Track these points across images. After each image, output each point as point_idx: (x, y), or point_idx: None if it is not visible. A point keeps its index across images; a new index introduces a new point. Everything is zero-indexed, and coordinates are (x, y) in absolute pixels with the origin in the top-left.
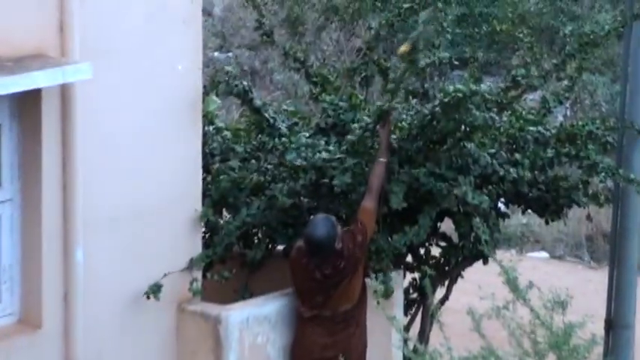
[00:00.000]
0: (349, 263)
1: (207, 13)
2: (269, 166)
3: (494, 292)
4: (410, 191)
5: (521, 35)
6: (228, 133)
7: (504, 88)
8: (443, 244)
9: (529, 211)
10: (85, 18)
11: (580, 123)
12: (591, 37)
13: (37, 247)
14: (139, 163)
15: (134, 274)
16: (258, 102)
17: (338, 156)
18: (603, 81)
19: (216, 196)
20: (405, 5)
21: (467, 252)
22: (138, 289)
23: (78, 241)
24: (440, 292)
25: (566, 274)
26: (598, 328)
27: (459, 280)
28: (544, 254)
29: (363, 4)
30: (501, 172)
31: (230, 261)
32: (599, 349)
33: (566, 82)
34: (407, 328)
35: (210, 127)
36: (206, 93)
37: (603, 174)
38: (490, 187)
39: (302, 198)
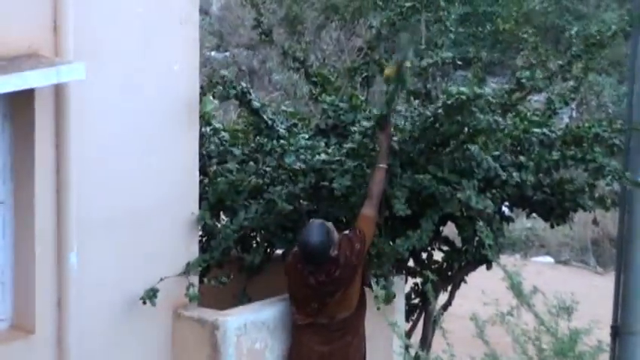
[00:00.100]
0: (345, 271)
1: (204, 11)
2: (267, 169)
3: (498, 297)
4: (412, 195)
5: (525, 35)
6: (225, 135)
7: (509, 90)
8: (445, 248)
9: (534, 214)
10: (80, 17)
11: (586, 125)
12: (598, 37)
13: (30, 251)
14: (134, 164)
15: (129, 278)
16: (256, 103)
17: (337, 158)
18: (610, 82)
19: (214, 198)
20: (407, 4)
21: (470, 256)
22: (133, 294)
23: (72, 245)
24: (442, 298)
25: (571, 279)
26: (604, 334)
27: (462, 285)
28: (549, 259)
29: (364, 2)
30: (504, 176)
31: (228, 265)
32: (605, 357)
33: (571, 83)
34: (408, 335)
35: (208, 128)
36: (203, 93)
37: (610, 177)
38: (494, 190)
39: (301, 201)
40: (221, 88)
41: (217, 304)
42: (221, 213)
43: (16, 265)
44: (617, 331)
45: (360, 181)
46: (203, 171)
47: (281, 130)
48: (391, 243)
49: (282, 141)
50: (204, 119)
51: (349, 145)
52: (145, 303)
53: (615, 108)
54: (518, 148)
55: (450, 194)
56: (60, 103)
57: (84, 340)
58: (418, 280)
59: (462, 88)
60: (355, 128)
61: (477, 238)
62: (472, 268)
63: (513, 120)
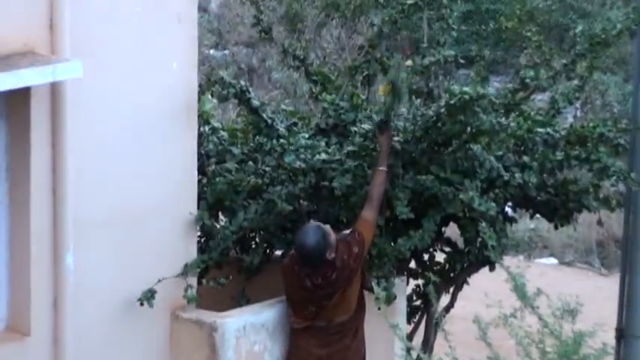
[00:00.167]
0: (342, 274)
1: (202, 9)
2: (267, 168)
3: (501, 299)
4: (414, 195)
5: (529, 34)
6: (224, 134)
7: (512, 89)
8: (448, 249)
9: (537, 215)
10: (76, 14)
11: (591, 124)
12: (603, 36)
13: (26, 251)
14: (132, 164)
15: (126, 279)
16: (255, 102)
17: (338, 157)
18: (615, 80)
19: (212, 199)
20: (409, 1)
21: (473, 258)
22: (130, 295)
23: (68, 245)
24: (444, 300)
25: (575, 281)
26: (609, 337)
27: (465, 287)
28: (553, 260)
29: (365, 0)
30: (506, 177)
31: (226, 266)
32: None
33: (576, 82)
34: (410, 337)
35: (206, 127)
36: (201, 92)
37: (615, 177)
38: (497, 190)
39: (301, 201)
40: (220, 88)
41: (216, 305)
42: (220, 213)
43: (12, 265)
44: (622, 334)
45: (360, 181)
46: (201, 170)
47: (281, 129)
48: (392, 244)
49: (281, 140)
50: (203, 118)
51: (350, 147)
52: (142, 304)
53: (620, 107)
54: (522, 148)
55: (453, 195)
56: (56, 101)
57: (80, 342)
58: (420, 281)
59: (465, 88)
60: (356, 129)
61: (479, 239)
62: (475, 269)
63: (517, 120)
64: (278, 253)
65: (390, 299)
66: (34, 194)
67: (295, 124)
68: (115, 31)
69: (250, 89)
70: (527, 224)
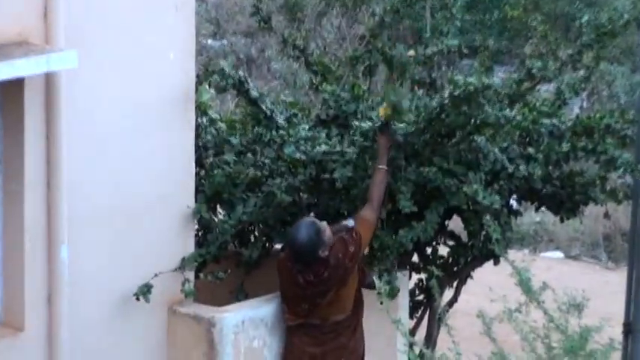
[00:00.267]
0: (336, 273)
1: None
2: (266, 160)
3: (506, 293)
4: (417, 188)
5: (534, 23)
6: (222, 125)
7: (517, 80)
8: (451, 243)
9: (543, 208)
10: (71, 3)
11: (597, 115)
12: (609, 26)
13: (19, 245)
14: (128, 156)
15: (123, 274)
16: (254, 93)
17: (338, 149)
18: (622, 71)
19: (210, 191)
20: None
21: (477, 251)
22: (126, 289)
23: (63, 239)
24: (448, 294)
25: (582, 275)
26: (616, 332)
27: (469, 281)
28: (559, 254)
29: None
30: (512, 169)
31: (225, 260)
32: (617, 355)
33: (582, 73)
34: (413, 332)
35: (204, 119)
36: (199, 82)
37: (622, 169)
38: (501, 183)
39: (301, 194)
40: (218, 79)
41: (214, 300)
42: (218, 206)
43: (5, 260)
44: (629, 329)
45: (361, 174)
46: (199, 163)
47: (280, 120)
48: (394, 236)
49: (281, 132)
50: (201, 109)
51: (349, 149)
52: (138, 299)
53: (627, 98)
54: (527, 140)
55: (456, 187)
56: (51, 92)
57: (75, 338)
58: (423, 275)
59: (470, 79)
60: (357, 122)
61: (483, 233)
62: (479, 263)
63: (522, 111)
64: (277, 246)
65: (394, 292)
66: (27, 187)
67: (295, 115)
68: (111, 20)
69: (249, 80)
70: (532, 217)
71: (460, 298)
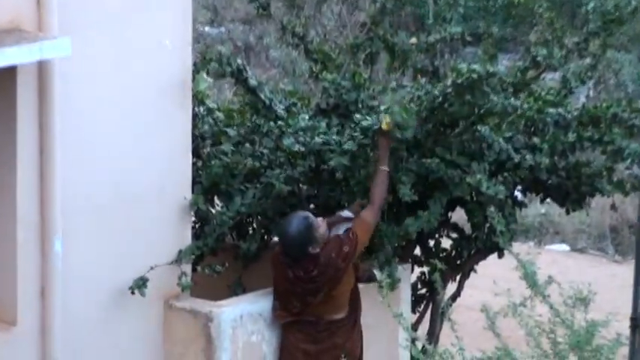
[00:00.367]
0: (326, 271)
1: None
2: (265, 151)
3: (511, 287)
4: (419, 179)
5: (540, 10)
6: (220, 115)
7: (522, 68)
8: (454, 235)
9: (548, 199)
10: None
11: (604, 104)
12: (616, 13)
13: (12, 238)
14: (123, 146)
15: (118, 267)
16: (253, 81)
17: (336, 139)
18: (629, 59)
19: (208, 182)
20: None
21: (480, 244)
22: (121, 283)
23: (56, 231)
24: (451, 288)
25: (588, 268)
26: (623, 327)
27: (472, 274)
28: (564, 247)
29: None
30: (516, 159)
31: (222, 253)
32: (624, 350)
33: (588, 61)
34: (415, 327)
35: (201, 108)
36: (196, 71)
37: (629, 160)
38: (506, 174)
39: (301, 185)
40: (216, 65)
41: (211, 294)
42: (215, 198)
43: None
44: (636, 324)
45: (360, 162)
46: (196, 153)
47: (279, 110)
48: (395, 228)
49: (279, 122)
50: (198, 98)
51: (349, 146)
52: (133, 293)
53: (635, 86)
54: (532, 130)
55: (459, 178)
56: (44, 80)
57: (69, 332)
58: (425, 269)
59: (474, 66)
60: (358, 116)
61: (487, 225)
62: (482, 256)
63: (527, 100)
64: (276, 239)
65: (394, 284)
66: (20, 178)
67: (294, 104)
68: (105, 6)
69: (247, 68)
70: (537, 209)
71: (463, 292)
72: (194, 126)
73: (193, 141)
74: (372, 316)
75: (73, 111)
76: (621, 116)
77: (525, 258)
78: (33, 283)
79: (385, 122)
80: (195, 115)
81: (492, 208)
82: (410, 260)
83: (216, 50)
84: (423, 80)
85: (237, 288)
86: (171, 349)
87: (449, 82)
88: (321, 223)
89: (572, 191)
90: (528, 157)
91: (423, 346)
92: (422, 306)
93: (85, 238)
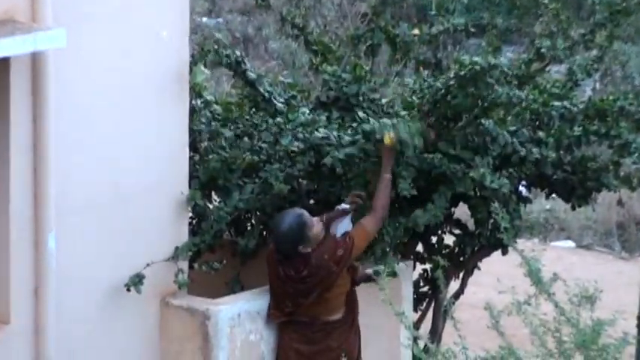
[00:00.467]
0: (317, 273)
1: None
2: (263, 145)
3: (515, 285)
4: (420, 174)
5: (545, 1)
6: (218, 108)
7: (527, 60)
8: (457, 231)
9: (553, 195)
10: None
11: (610, 97)
12: (623, 4)
13: (5, 235)
14: (119, 140)
15: (113, 264)
16: (252, 74)
17: (335, 134)
18: (636, 51)
19: (205, 177)
20: None
21: (484, 240)
22: (117, 280)
23: (50, 228)
24: (454, 285)
25: (594, 266)
26: (630, 325)
27: (476, 271)
28: (570, 243)
29: None
30: (523, 152)
31: (220, 250)
32: (631, 349)
33: (595, 52)
34: (417, 326)
35: (198, 101)
36: (194, 63)
37: (636, 154)
38: (510, 168)
39: (300, 180)
40: (214, 54)
41: (208, 291)
42: (213, 193)
43: None
44: None
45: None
46: (193, 147)
47: (278, 103)
48: (397, 225)
49: (277, 119)
50: (195, 91)
51: (349, 150)
52: (129, 290)
53: None
54: (537, 123)
55: (463, 173)
56: (38, 73)
57: (63, 331)
58: (427, 266)
59: (476, 58)
60: (361, 114)
61: (491, 221)
62: (486, 253)
63: (532, 92)
64: None
65: (392, 275)
66: (13, 173)
67: (294, 97)
68: None
69: (246, 60)
70: (542, 205)
71: (467, 290)
72: (191, 119)
73: (191, 135)
74: (372, 315)
75: (68, 104)
76: (628, 109)
77: (530, 255)
78: (26, 281)
79: (389, 137)
80: (192, 108)
81: (496, 204)
82: (412, 257)
83: (212, 38)
84: (425, 73)
85: (235, 285)
86: (167, 348)
87: (452, 74)
88: (315, 223)
89: (577, 186)
90: (534, 151)
91: (425, 345)
92: (424, 304)
93: (79, 234)
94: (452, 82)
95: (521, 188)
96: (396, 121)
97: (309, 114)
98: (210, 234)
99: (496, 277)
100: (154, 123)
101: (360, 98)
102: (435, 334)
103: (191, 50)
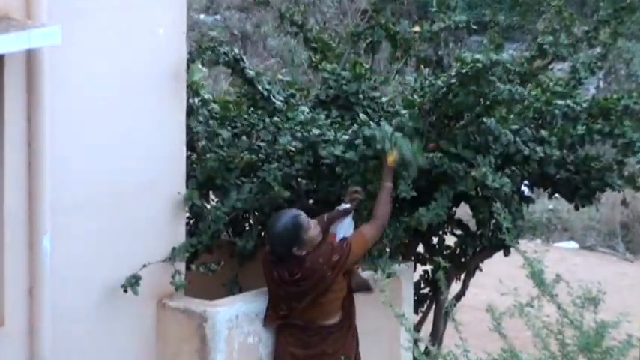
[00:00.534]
0: (311, 276)
1: None
2: (262, 144)
3: (517, 286)
4: (421, 173)
5: None
6: (215, 106)
7: (529, 57)
8: (459, 232)
9: (556, 195)
10: None
11: (614, 96)
12: (627, 1)
13: None
14: (115, 139)
15: (109, 264)
16: (250, 71)
17: (332, 133)
18: None
19: (202, 177)
20: None
21: (486, 241)
22: (113, 281)
23: (45, 228)
24: (455, 287)
25: (597, 267)
26: (634, 327)
27: (477, 272)
28: (573, 244)
29: None
30: (526, 152)
31: (217, 251)
32: (635, 352)
33: (598, 50)
34: (418, 327)
35: (196, 99)
36: (191, 60)
37: None
38: (513, 168)
39: (299, 180)
40: (210, 52)
41: (206, 293)
42: (210, 193)
43: None
44: None
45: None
46: (191, 146)
47: (277, 102)
48: (398, 224)
49: (275, 119)
50: (192, 89)
51: (350, 155)
52: (126, 291)
53: None
54: (540, 122)
55: (464, 172)
56: (32, 70)
57: (58, 332)
58: (428, 267)
59: (478, 55)
60: (362, 116)
61: (493, 221)
62: (488, 253)
63: (534, 90)
64: None
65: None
66: (7, 172)
67: (293, 95)
68: None
69: (244, 57)
70: (545, 205)
71: (468, 291)
72: (188, 118)
73: (188, 133)
74: (373, 317)
75: (63, 102)
76: (632, 108)
77: (532, 256)
78: (21, 282)
79: (391, 157)
80: (189, 107)
81: (498, 204)
82: (412, 258)
83: (208, 36)
84: (426, 71)
85: (232, 287)
86: (164, 350)
87: (453, 72)
88: (311, 226)
89: (581, 186)
90: (537, 149)
91: (426, 348)
92: (425, 306)
93: (74, 234)
94: (453, 80)
95: (524, 188)
96: (398, 135)
97: (308, 112)
98: (207, 234)
99: (498, 278)
100: (151, 122)
101: (360, 96)
102: (436, 336)
103: (188, 47)
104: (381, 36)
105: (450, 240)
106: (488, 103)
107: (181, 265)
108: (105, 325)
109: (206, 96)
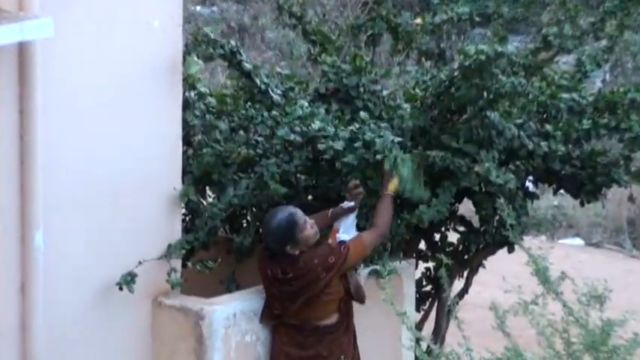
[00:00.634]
0: (304, 277)
1: None
2: (259, 138)
3: (521, 284)
4: (424, 168)
5: None
6: (212, 100)
7: (534, 49)
8: (461, 228)
9: (562, 190)
10: None
11: (621, 89)
12: None
13: None
14: (109, 133)
15: (103, 262)
16: (248, 65)
17: (332, 128)
18: None
19: (199, 172)
20: None
21: (489, 238)
22: (108, 279)
23: (37, 224)
24: (458, 285)
25: (604, 264)
26: None
27: (480, 270)
28: (579, 241)
29: None
30: (530, 146)
31: (214, 247)
32: None
33: (605, 42)
34: (420, 326)
35: (192, 93)
36: (187, 53)
37: None
38: (517, 163)
39: (298, 175)
40: (205, 48)
41: (202, 291)
42: (207, 188)
43: None
44: None
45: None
46: (187, 141)
47: (276, 95)
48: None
49: (273, 112)
50: (189, 82)
51: (349, 159)
52: (121, 289)
53: None
54: (544, 116)
55: (467, 167)
56: (24, 63)
57: (51, 331)
58: (430, 264)
59: (481, 47)
60: (363, 114)
61: (497, 217)
62: (491, 250)
63: (539, 84)
64: None
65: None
66: None
67: (292, 89)
68: None
69: (242, 50)
70: (550, 201)
71: (471, 289)
72: (185, 111)
73: (184, 128)
74: (374, 315)
75: (56, 95)
76: (639, 102)
77: (537, 253)
78: (12, 279)
79: (393, 186)
80: (185, 100)
81: (502, 200)
82: (414, 255)
83: (202, 32)
84: (428, 63)
85: (230, 284)
86: (160, 349)
87: (456, 65)
88: (307, 225)
89: (587, 182)
90: (542, 144)
91: (428, 347)
92: (427, 304)
93: (68, 231)
94: (456, 74)
95: (528, 184)
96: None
97: (307, 106)
98: (204, 231)
99: (502, 275)
100: (146, 116)
101: (361, 90)
102: (438, 334)
103: (184, 40)
104: (382, 28)
105: (453, 237)
106: (491, 96)
107: (177, 263)
108: (100, 323)
109: (202, 89)
